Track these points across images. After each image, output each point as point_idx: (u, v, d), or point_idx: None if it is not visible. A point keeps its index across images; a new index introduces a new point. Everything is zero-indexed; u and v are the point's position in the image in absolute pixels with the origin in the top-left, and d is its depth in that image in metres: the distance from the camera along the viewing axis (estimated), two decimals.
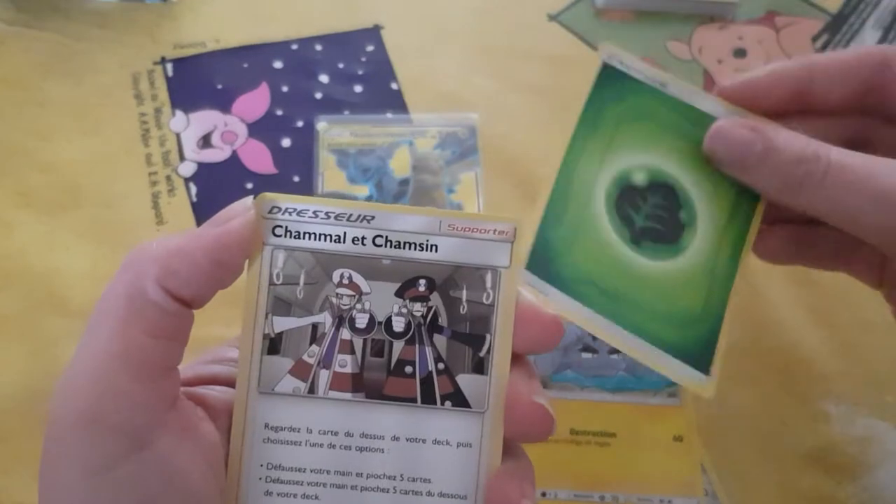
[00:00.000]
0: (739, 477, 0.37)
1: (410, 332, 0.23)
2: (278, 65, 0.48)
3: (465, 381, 0.23)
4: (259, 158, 0.45)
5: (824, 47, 0.50)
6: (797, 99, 0.32)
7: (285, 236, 0.23)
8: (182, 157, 0.45)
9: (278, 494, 0.23)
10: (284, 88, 0.47)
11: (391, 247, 0.23)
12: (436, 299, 0.23)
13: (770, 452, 0.37)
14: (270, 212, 0.23)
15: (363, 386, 0.23)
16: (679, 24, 0.51)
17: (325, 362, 0.23)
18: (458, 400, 0.23)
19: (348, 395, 0.23)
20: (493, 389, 0.23)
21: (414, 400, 0.23)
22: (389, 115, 0.47)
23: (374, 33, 0.50)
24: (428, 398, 0.23)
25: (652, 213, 0.33)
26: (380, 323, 0.23)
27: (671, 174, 0.34)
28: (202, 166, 0.45)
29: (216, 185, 0.44)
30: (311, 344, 0.23)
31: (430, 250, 0.23)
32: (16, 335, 0.39)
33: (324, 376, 0.23)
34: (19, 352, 0.39)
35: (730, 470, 0.37)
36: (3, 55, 0.47)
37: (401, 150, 0.45)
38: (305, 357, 0.23)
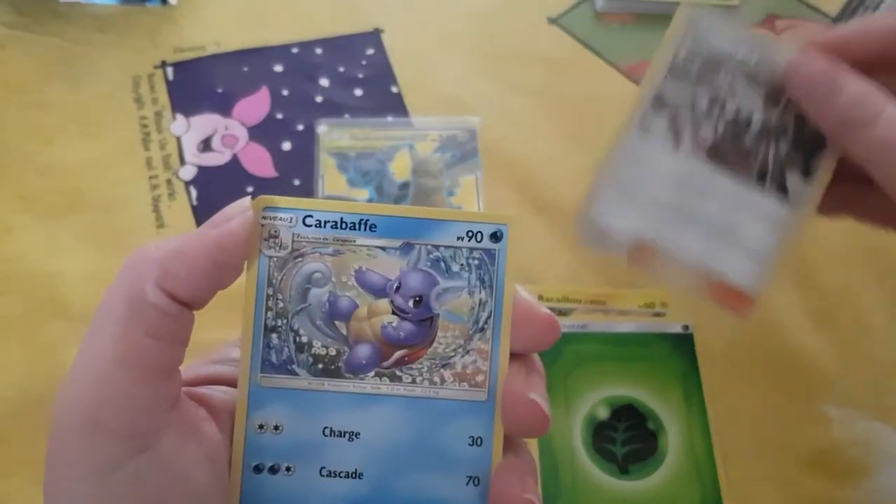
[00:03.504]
0: (740, 480, 0.37)
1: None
2: (278, 68, 0.48)
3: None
4: (259, 162, 0.45)
5: None
6: (882, 58, 0.32)
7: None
8: (182, 161, 0.45)
9: None
10: (285, 92, 0.47)
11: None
12: None
13: (771, 455, 0.37)
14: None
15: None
16: None
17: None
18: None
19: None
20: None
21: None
22: (390, 119, 0.47)
23: (374, 37, 0.50)
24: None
25: (627, 437, 0.38)
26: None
27: (625, 394, 0.39)
28: (202, 170, 0.45)
29: (216, 189, 0.44)
30: None
31: None
32: (16, 339, 0.39)
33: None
34: (19, 355, 0.39)
35: (731, 472, 0.37)
36: (4, 59, 0.47)
37: (401, 154, 0.45)
38: None
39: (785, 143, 0.32)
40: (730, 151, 0.31)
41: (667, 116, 0.31)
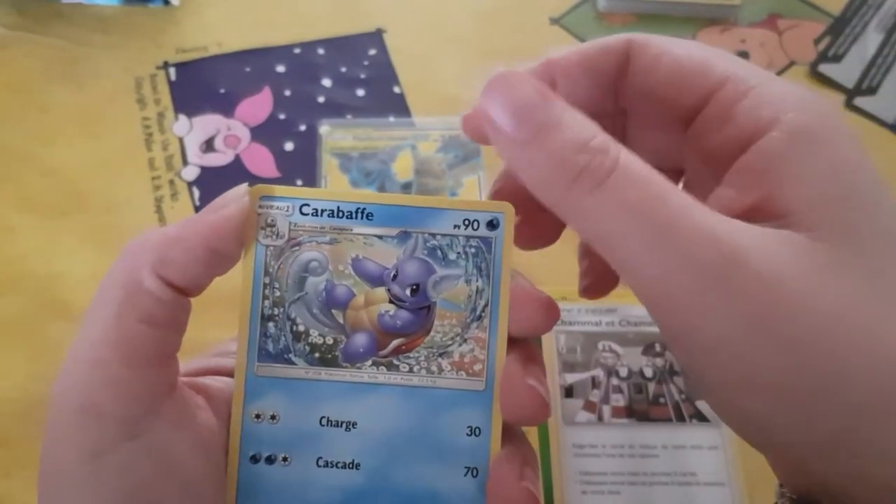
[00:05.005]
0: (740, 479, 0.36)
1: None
2: (281, 69, 0.48)
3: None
4: (262, 162, 0.45)
5: (826, 50, 0.50)
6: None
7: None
8: (185, 162, 0.45)
9: None
10: (287, 92, 0.47)
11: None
12: None
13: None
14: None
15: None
16: (681, 26, 0.51)
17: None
18: None
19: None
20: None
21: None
22: (392, 119, 0.47)
23: (376, 37, 0.50)
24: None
25: None
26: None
27: None
28: (205, 170, 0.45)
29: (219, 190, 0.43)
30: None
31: None
32: (17, 340, 0.39)
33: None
34: (21, 356, 0.39)
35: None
36: (6, 60, 0.47)
37: (403, 154, 0.45)
38: None
39: (678, 378, 0.36)
40: (643, 405, 0.36)
41: (580, 399, 0.36)
